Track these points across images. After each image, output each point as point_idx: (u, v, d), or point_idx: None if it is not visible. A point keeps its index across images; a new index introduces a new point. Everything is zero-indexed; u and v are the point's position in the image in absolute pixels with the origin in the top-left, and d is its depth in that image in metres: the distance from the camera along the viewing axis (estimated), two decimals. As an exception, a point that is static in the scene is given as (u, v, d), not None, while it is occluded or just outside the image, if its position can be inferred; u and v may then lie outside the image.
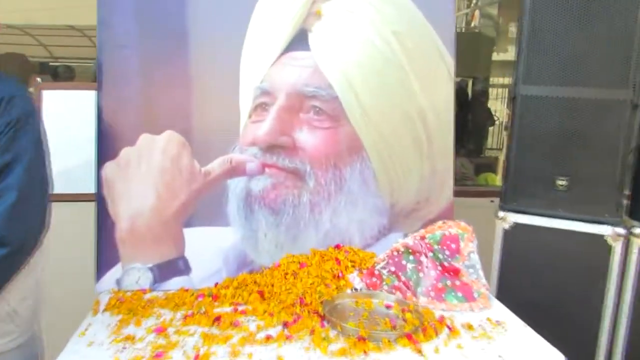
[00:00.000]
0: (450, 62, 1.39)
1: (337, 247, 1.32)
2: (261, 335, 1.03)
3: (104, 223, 1.23)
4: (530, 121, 1.43)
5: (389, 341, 1.02)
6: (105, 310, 1.13)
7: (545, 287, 1.44)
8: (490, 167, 2.81)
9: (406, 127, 1.36)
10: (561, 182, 1.42)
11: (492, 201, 2.10)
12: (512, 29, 4.43)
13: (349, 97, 1.31)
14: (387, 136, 1.34)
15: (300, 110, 1.30)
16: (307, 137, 1.30)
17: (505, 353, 1.00)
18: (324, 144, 1.30)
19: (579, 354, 1.22)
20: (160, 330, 1.03)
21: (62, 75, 3.39)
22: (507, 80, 4.69)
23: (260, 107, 1.30)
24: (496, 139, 4.45)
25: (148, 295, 1.20)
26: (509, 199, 1.49)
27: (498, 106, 4.58)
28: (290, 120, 1.29)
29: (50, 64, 3.65)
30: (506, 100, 4.96)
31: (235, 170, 1.29)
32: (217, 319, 1.08)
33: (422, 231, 1.30)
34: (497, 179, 2.54)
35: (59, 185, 1.68)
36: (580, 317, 1.42)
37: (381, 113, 1.34)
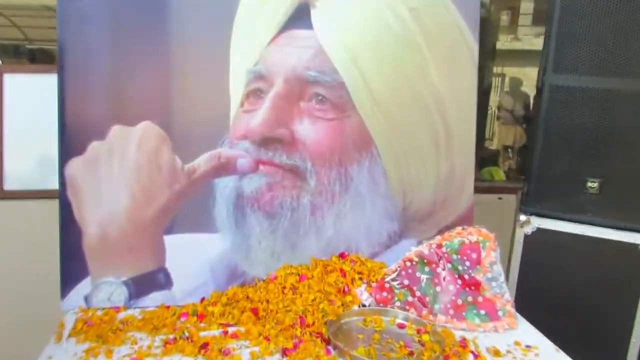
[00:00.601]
0: (473, 46, 1.22)
1: (342, 256, 1.16)
2: (256, 367, 0.87)
3: (69, 230, 1.05)
4: (559, 114, 1.27)
5: (407, 374, 0.87)
6: (70, 335, 0.95)
7: (569, 300, 1.29)
8: (494, 160, 2.67)
9: (422, 119, 1.19)
10: (592, 184, 1.27)
11: (500, 198, 1.96)
12: (504, 17, 4.36)
13: (356, 84, 1.13)
14: (400, 129, 1.17)
15: (300, 99, 1.12)
16: (308, 130, 1.12)
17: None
18: (327, 137, 1.13)
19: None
20: (136, 363, 0.86)
21: (38, 59, 3.16)
22: (498, 70, 4.61)
23: (254, 94, 1.12)
24: (488, 129, 4.39)
25: (122, 315, 1.03)
26: (532, 202, 1.34)
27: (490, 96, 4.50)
28: (289, 109, 1.12)
29: (27, 46, 3.41)
30: (498, 89, 4.88)
31: (224, 168, 1.11)
32: (204, 346, 0.91)
33: (439, 238, 1.14)
34: (502, 174, 2.39)
35: (24, 181, 1.52)
36: (607, 335, 1.28)
37: (394, 102, 1.16)
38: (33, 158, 1.53)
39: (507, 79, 4.89)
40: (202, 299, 1.08)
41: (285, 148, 1.12)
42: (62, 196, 1.05)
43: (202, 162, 1.10)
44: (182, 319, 1.02)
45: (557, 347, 0.99)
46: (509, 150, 3.99)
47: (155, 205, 1.07)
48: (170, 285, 1.09)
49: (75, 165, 1.05)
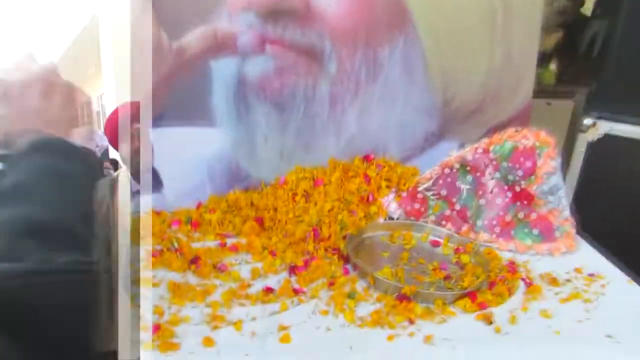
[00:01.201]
0: None
1: (367, 158, 0.96)
2: (257, 287, 0.71)
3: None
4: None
5: (443, 303, 0.70)
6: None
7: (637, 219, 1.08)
8: (542, 59, 2.32)
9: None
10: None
11: (548, 104, 1.72)
12: None
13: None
14: (445, 2, 0.92)
15: None
16: (328, 0, 0.88)
17: (614, 329, 0.67)
18: (351, 10, 0.89)
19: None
20: (111, 277, 0.71)
21: None
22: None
23: None
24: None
25: (103, 220, 0.87)
26: (599, 103, 1.09)
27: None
28: None
29: None
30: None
31: (222, 47, 0.89)
32: (195, 260, 0.75)
33: (486, 141, 0.93)
34: (553, 76, 2.09)
35: None
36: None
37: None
38: None
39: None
40: (199, 204, 0.91)
41: (299, 23, 0.88)
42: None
43: (194, 39, 0.88)
44: (174, 227, 0.86)
45: (629, 278, 0.80)
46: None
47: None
48: (159, 186, 0.91)
49: None
